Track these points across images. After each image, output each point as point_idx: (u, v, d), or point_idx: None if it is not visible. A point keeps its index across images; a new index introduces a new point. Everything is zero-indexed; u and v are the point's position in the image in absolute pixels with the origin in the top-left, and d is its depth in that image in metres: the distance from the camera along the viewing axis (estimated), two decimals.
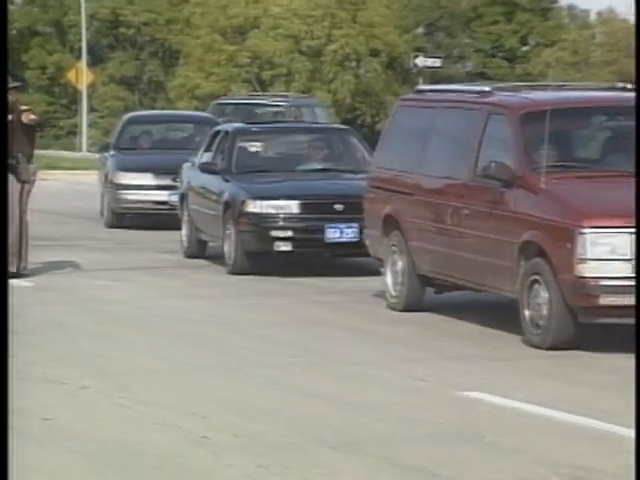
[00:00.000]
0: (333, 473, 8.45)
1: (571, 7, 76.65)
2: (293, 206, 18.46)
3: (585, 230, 12.75)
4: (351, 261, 18.48)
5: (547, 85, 18.94)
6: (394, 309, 15.49)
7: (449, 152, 15.19)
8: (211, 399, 10.81)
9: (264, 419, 10.02)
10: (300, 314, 15.73)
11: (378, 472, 8.44)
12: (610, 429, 9.72)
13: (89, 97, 62.92)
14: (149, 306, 15.59)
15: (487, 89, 15.57)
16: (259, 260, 18.48)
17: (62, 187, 36.20)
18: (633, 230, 12.70)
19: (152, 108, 63.20)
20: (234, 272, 18.47)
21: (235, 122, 24.31)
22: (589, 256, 12.73)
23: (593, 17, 77.68)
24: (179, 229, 20.91)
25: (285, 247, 18.38)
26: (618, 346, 12.87)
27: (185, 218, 20.66)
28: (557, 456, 8.93)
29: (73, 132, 67.78)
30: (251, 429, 9.67)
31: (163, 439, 8.92)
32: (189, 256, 20.38)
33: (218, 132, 21.13)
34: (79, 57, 63.30)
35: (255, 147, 20.57)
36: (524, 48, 74.29)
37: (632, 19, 75.79)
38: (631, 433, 9.33)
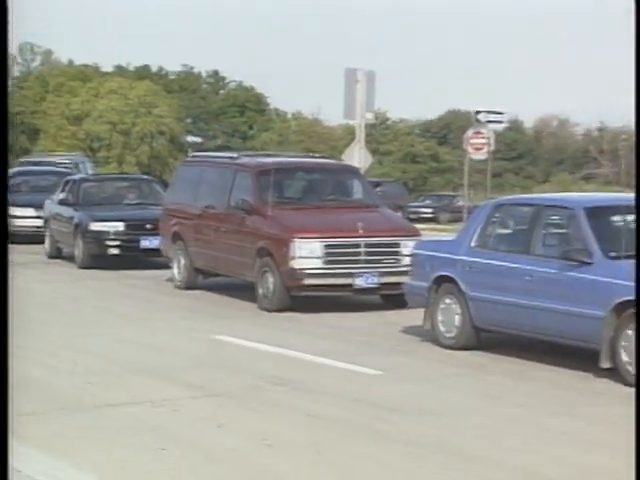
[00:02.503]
0: (130, 386, 9.02)
1: (277, 109, 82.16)
2: (120, 226, 18.93)
3: (295, 240, 13.54)
4: (154, 260, 18.53)
5: (270, 154, 19.73)
6: (179, 288, 16.06)
7: (212, 193, 15.63)
8: (63, 346, 10.87)
9: (95, 357, 10.37)
10: (116, 291, 16.23)
11: (162, 386, 9.02)
12: (297, 355, 10.51)
13: None
14: (23, 287, 14.46)
15: (235, 155, 16.32)
16: (97, 260, 18.91)
17: None
18: (322, 240, 13.56)
19: None
20: (81, 267, 18.95)
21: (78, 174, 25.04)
22: (297, 255, 13.51)
23: (290, 115, 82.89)
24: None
25: (115, 251, 18.90)
26: (320, 310, 13.61)
27: (48, 234, 21.06)
28: (269, 371, 9.61)
29: None
30: (89, 362, 10.03)
31: None
32: (50, 257, 20.80)
33: (69, 180, 21.70)
34: None
35: (93, 189, 21.19)
36: (251, 132, 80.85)
37: (319, 117, 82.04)
38: (312, 358, 10.28)
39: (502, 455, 6.99)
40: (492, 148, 36.26)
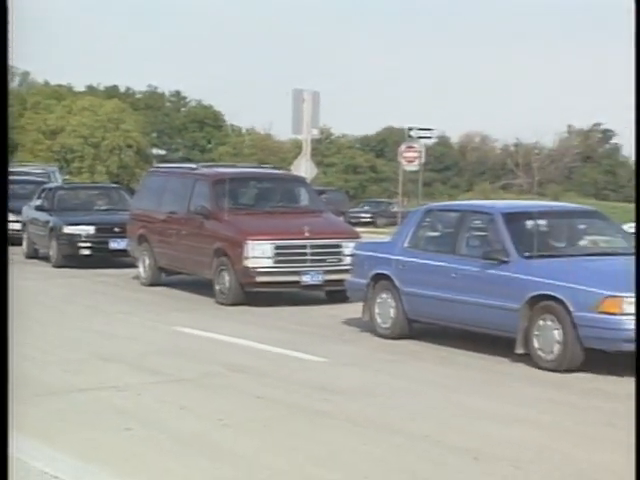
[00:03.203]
0: (99, 373, 8.97)
1: (232, 125, 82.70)
2: (90, 229, 18.73)
3: (248, 242, 13.48)
4: (122, 260, 18.23)
5: (225, 165, 19.78)
6: (144, 285, 15.89)
7: (174, 199, 15.48)
8: (38, 337, 10.73)
9: (67, 346, 10.32)
10: (87, 287, 16.03)
11: (128, 372, 8.99)
12: (250, 344, 10.48)
13: None
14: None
15: (194, 166, 16.32)
16: (70, 259, 18.71)
17: None
18: (272, 241, 13.50)
19: None
20: (55, 266, 18.72)
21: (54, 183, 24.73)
22: (250, 255, 13.45)
23: (244, 130, 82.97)
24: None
25: (86, 252, 18.67)
26: (271, 304, 13.56)
27: (25, 236, 20.75)
28: (224, 359, 9.61)
29: None
30: (61, 351, 9.99)
31: None
32: (28, 257, 20.48)
33: (45, 188, 21.49)
34: None
35: (67, 196, 20.93)
36: (209, 145, 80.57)
37: (270, 132, 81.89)
38: (264, 347, 10.31)
39: (427, 429, 7.02)
40: (423, 160, 36.50)
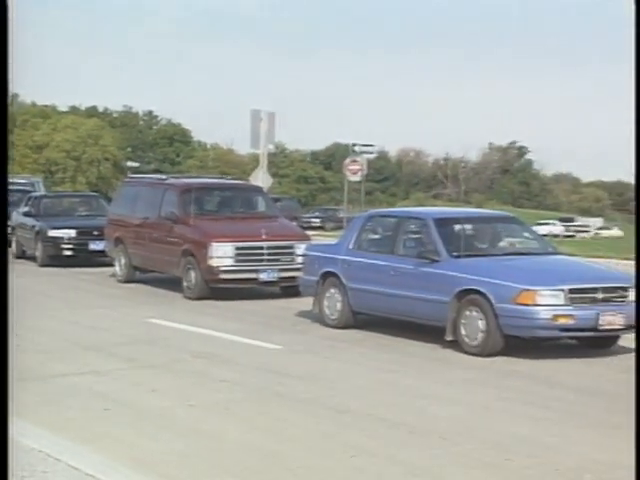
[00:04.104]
0: (79, 360, 8.85)
1: (199, 141, 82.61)
2: (72, 232, 18.41)
3: (212, 243, 13.31)
4: (100, 260, 17.85)
5: (191, 176, 19.70)
6: (120, 282, 15.65)
7: (147, 206, 15.23)
8: (25, 328, 10.32)
9: (50, 336, 10.17)
10: (69, 284, 15.79)
11: (104, 359, 8.87)
12: (213, 334, 10.32)
13: None
14: None
15: (164, 177, 16.39)
16: (54, 259, 18.38)
17: None
18: (233, 243, 13.30)
19: None
20: (41, 265, 18.40)
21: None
22: (214, 255, 13.28)
23: (209, 146, 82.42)
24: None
25: (68, 253, 18.36)
26: (232, 299, 13.32)
27: (14, 239, 20.26)
28: (191, 347, 9.42)
29: None
30: (45, 340, 9.78)
31: None
32: (16, 257, 19.93)
33: (31, 196, 21.05)
34: None
35: (51, 203, 20.60)
36: (178, 159, 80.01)
37: (232, 147, 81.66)
38: (219, 334, 10.15)
39: (368, 408, 7.01)
40: (365, 172, 36.59)
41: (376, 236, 11.31)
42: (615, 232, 73.20)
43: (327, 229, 45.82)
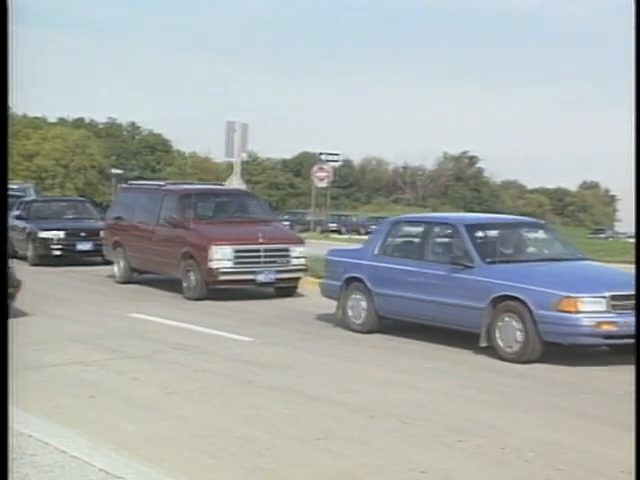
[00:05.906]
0: (66, 351, 8.73)
1: (178, 150, 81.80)
2: (61, 234, 18.20)
3: (212, 246, 12.93)
4: (87, 259, 17.70)
5: (188, 183, 19.26)
6: (118, 282, 15.17)
7: (145, 211, 14.82)
8: (17, 322, 10.05)
9: (40, 329, 9.99)
10: (58, 281, 15.53)
11: (90, 351, 8.70)
12: (194, 328, 10.20)
13: None
14: None
15: (162, 183, 15.69)
16: (44, 259, 18.10)
17: None
18: (232, 246, 12.92)
19: None
20: (32, 265, 18.05)
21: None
22: (214, 258, 12.91)
23: (187, 154, 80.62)
24: None
25: (57, 253, 18.13)
26: (231, 299, 12.98)
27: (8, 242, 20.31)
28: (168, 339, 9.39)
29: None
30: (35, 333, 9.61)
31: None
32: (9, 258, 19.80)
33: (23, 201, 20.71)
34: None
35: (41, 207, 20.34)
36: (158, 166, 78.68)
37: (209, 155, 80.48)
38: (201, 329, 10.07)
39: (333, 394, 6.91)
40: (331, 179, 36.67)
41: (403, 242, 10.46)
42: None
43: (295, 230, 45.79)
